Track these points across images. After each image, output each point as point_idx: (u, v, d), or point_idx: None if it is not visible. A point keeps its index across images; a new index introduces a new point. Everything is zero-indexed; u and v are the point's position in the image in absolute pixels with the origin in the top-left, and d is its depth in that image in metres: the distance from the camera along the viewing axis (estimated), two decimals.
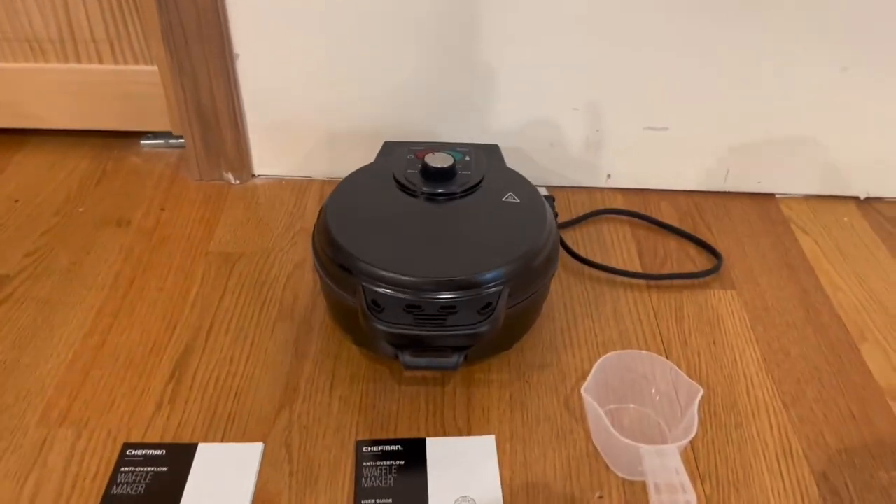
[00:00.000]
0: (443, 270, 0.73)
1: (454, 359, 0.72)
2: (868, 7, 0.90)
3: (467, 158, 0.88)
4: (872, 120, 1.00)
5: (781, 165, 1.05)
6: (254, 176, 1.09)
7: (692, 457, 0.72)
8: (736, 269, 0.95)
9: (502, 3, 0.91)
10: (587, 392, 0.71)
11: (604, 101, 0.99)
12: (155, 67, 1.06)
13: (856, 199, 1.08)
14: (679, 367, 0.79)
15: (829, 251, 0.98)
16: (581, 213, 1.03)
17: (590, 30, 0.93)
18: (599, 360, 0.73)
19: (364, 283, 0.73)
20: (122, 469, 0.70)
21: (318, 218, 0.82)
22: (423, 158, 0.85)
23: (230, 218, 1.01)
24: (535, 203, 0.83)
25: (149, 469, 0.70)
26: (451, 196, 0.83)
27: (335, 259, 0.76)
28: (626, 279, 0.93)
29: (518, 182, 0.86)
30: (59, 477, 0.69)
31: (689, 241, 0.99)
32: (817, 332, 0.86)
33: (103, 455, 0.71)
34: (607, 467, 0.71)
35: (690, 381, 0.72)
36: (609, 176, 1.07)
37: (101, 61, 1.06)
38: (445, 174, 0.84)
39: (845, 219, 1.04)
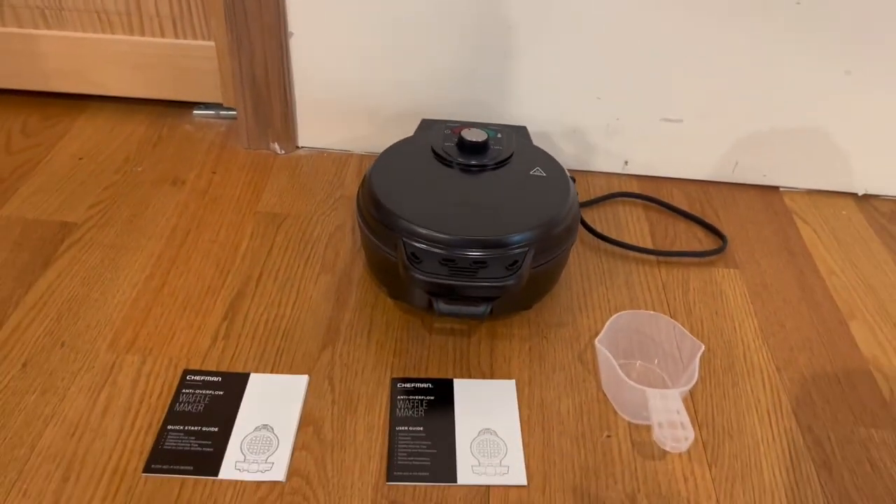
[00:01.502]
0: (475, 230, 0.81)
1: (482, 308, 0.80)
2: (871, 14, 0.98)
3: (499, 136, 0.96)
4: (873, 122, 1.08)
5: (786, 161, 1.13)
6: (298, 147, 1.18)
7: (692, 407, 0.81)
8: (739, 251, 1.03)
9: (535, 1, 1.00)
10: (600, 343, 0.79)
11: (624, 92, 1.08)
12: (212, 43, 1.15)
13: (854, 195, 1.16)
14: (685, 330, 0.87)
15: (827, 240, 1.06)
16: (599, 195, 1.11)
17: (614, 27, 1.02)
18: (613, 317, 0.82)
19: (405, 238, 0.81)
20: (184, 391, 0.78)
21: (363, 181, 0.90)
22: (460, 133, 0.94)
23: (276, 184, 1.10)
24: (559, 177, 0.91)
25: (207, 392, 0.79)
26: (483, 168, 0.91)
27: (378, 217, 0.85)
28: (638, 254, 1.01)
29: (545, 158, 0.95)
30: (128, 394, 0.78)
31: (698, 225, 1.07)
32: (811, 309, 0.94)
33: (166, 378, 0.80)
34: (615, 412, 0.79)
35: (693, 338, 0.80)
36: (626, 163, 1.15)
37: (163, 35, 1.15)
38: (479, 148, 0.93)
39: (843, 212, 1.12)
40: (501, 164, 0.92)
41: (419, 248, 0.81)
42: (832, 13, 0.98)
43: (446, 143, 0.94)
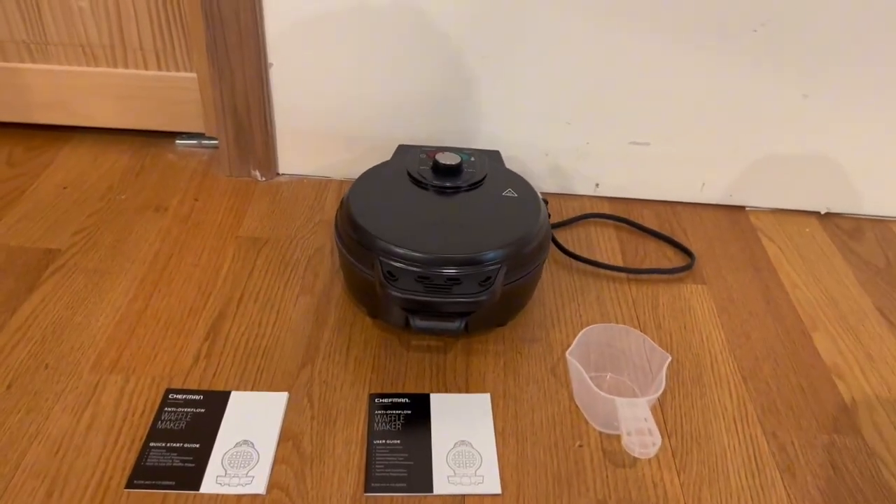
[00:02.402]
0: (450, 248, 0.85)
1: (457, 323, 0.83)
2: (825, 41, 1.03)
3: (472, 159, 1.00)
4: (831, 143, 1.13)
5: (751, 181, 1.18)
6: (279, 174, 1.21)
7: (661, 417, 0.83)
8: (707, 268, 1.07)
9: (507, 29, 1.04)
10: (571, 355, 0.82)
11: (593, 117, 1.12)
12: (194, 74, 1.19)
13: (817, 213, 1.21)
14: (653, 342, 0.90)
15: (791, 256, 1.10)
16: (572, 216, 1.15)
17: (581, 55, 1.06)
18: (583, 330, 0.85)
19: (381, 257, 0.84)
20: (166, 409, 0.80)
21: (341, 204, 0.93)
22: (434, 157, 0.97)
23: (257, 209, 1.12)
24: (530, 198, 0.95)
25: (189, 409, 0.80)
26: (457, 189, 0.95)
27: (356, 237, 0.87)
28: (608, 272, 1.04)
29: (516, 180, 0.98)
30: (111, 412, 0.79)
31: (667, 243, 1.11)
32: (776, 321, 0.98)
33: (149, 397, 0.81)
34: (587, 422, 0.82)
35: (661, 350, 0.83)
36: (598, 185, 1.19)
37: (146, 67, 1.19)
38: (453, 171, 0.96)
39: (807, 230, 1.17)
40: (475, 185, 0.96)
41: (395, 266, 0.84)
42: (788, 40, 1.04)
43: (422, 167, 0.97)
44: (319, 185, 1.19)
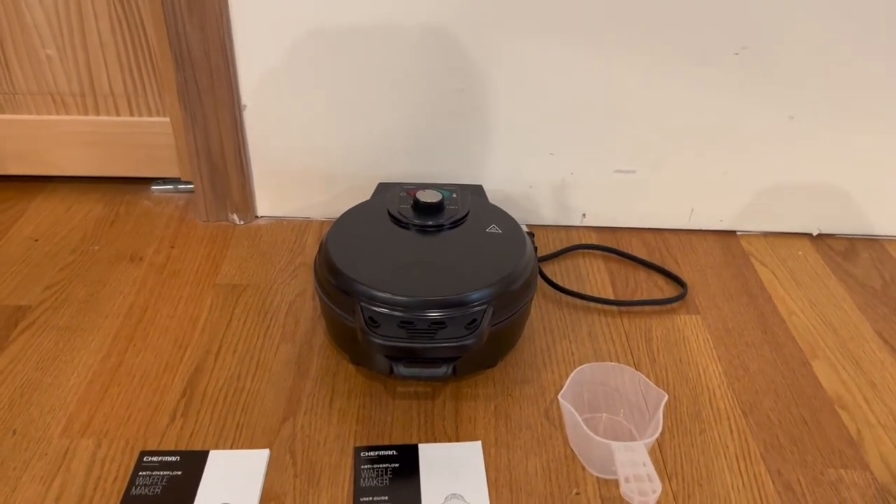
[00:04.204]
0: (433, 290, 0.81)
1: (443, 369, 0.80)
2: (808, 61, 1.02)
3: (454, 196, 0.97)
4: (820, 162, 1.11)
5: (741, 205, 1.15)
6: (257, 217, 1.18)
7: (660, 458, 0.80)
8: (700, 297, 1.04)
9: (484, 62, 1.02)
10: (563, 398, 0.78)
11: (576, 147, 1.10)
12: (167, 119, 1.16)
13: (809, 235, 1.18)
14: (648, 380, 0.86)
15: (785, 281, 1.08)
16: (559, 248, 1.12)
17: (560, 85, 1.04)
18: (575, 371, 0.81)
19: (362, 303, 0.81)
20: (140, 473, 0.76)
21: (320, 247, 0.90)
22: (415, 195, 0.94)
23: (235, 254, 1.09)
24: (515, 234, 0.92)
25: (164, 473, 0.76)
26: (439, 228, 0.92)
27: (334, 282, 0.84)
28: (600, 306, 1.01)
29: (500, 216, 0.95)
30: (82, 480, 0.75)
31: (658, 273, 1.08)
32: (773, 351, 0.95)
33: (122, 461, 0.77)
34: (583, 467, 0.78)
35: (657, 388, 0.79)
36: (584, 215, 1.17)
37: (118, 113, 1.16)
38: (435, 208, 0.93)
39: (800, 253, 1.14)
40: (457, 223, 0.93)
41: (377, 311, 0.80)
42: (771, 62, 1.02)
43: (402, 206, 0.95)
44: (299, 226, 1.16)
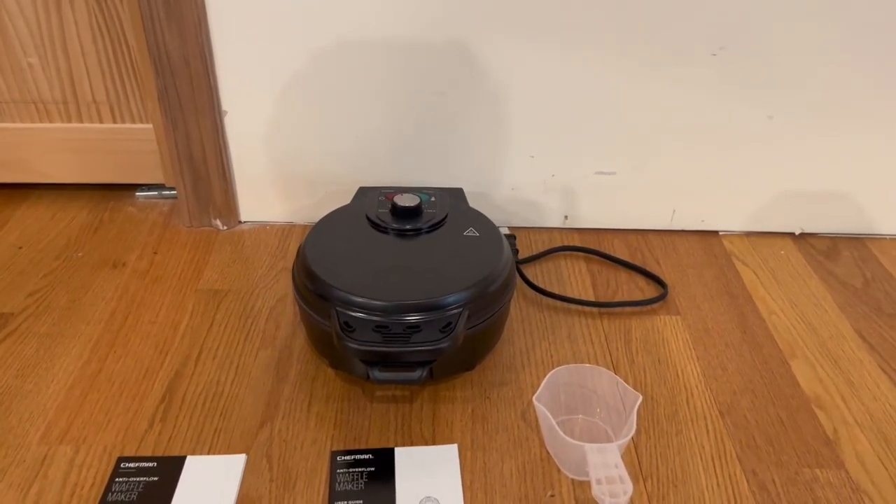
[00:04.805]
0: (408, 294, 0.82)
1: (418, 373, 0.80)
2: (786, 60, 1.02)
3: (433, 199, 0.98)
4: (800, 162, 1.11)
5: (722, 205, 1.16)
6: (240, 222, 1.18)
7: (636, 459, 0.80)
8: (681, 298, 1.04)
9: (463, 65, 1.03)
10: (538, 400, 0.79)
11: (556, 149, 1.10)
12: (150, 125, 1.16)
13: (791, 234, 1.18)
14: (626, 382, 0.87)
15: (766, 280, 1.08)
16: (541, 250, 1.12)
17: (539, 87, 1.04)
18: (550, 373, 0.82)
19: (337, 308, 0.81)
20: (117, 479, 0.76)
21: (298, 253, 0.91)
22: (393, 199, 0.95)
23: (218, 260, 1.10)
24: (493, 237, 0.92)
25: (141, 479, 0.77)
26: (417, 231, 0.92)
27: (311, 287, 0.85)
28: (580, 307, 1.01)
29: (478, 219, 0.96)
30: (59, 487, 0.75)
31: (639, 274, 1.08)
32: (752, 351, 0.95)
33: (99, 468, 0.78)
34: (559, 470, 0.79)
35: (633, 389, 0.80)
36: (566, 217, 1.17)
37: (101, 121, 1.17)
38: (413, 212, 0.94)
39: (782, 252, 1.14)
40: (435, 227, 0.93)
41: (352, 315, 0.81)
42: (749, 62, 1.02)
43: (380, 210, 0.95)
44: (282, 231, 1.17)
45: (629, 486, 0.70)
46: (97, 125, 1.17)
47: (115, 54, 1.11)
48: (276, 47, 1.02)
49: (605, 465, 0.72)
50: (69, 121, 1.17)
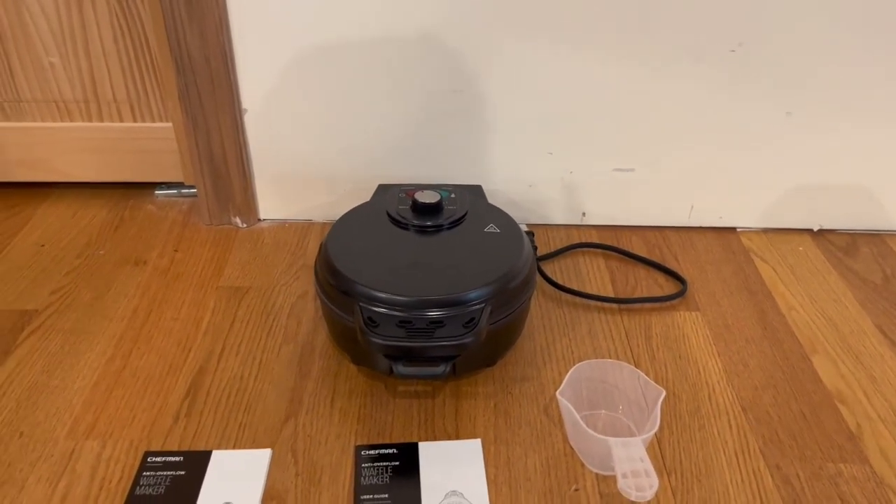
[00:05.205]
0: (431, 290, 0.82)
1: (441, 368, 0.80)
2: (804, 57, 1.02)
3: (453, 196, 0.98)
4: (818, 158, 1.11)
5: (741, 201, 1.16)
6: (260, 220, 1.19)
7: (659, 454, 0.80)
8: (700, 294, 1.04)
9: (481, 62, 1.03)
10: (562, 395, 0.79)
11: (575, 146, 1.10)
12: (170, 124, 1.17)
13: (810, 231, 1.18)
14: (647, 377, 0.87)
15: (786, 276, 1.08)
16: (559, 247, 1.12)
17: (558, 83, 1.05)
18: (573, 368, 0.82)
19: (361, 303, 0.82)
20: (144, 473, 0.77)
21: (320, 249, 0.91)
22: (413, 196, 0.95)
23: (238, 257, 1.10)
24: (513, 233, 0.93)
25: (168, 473, 0.77)
26: (438, 228, 0.92)
27: (334, 283, 0.85)
28: (599, 303, 1.02)
29: (498, 215, 0.96)
30: (87, 481, 0.76)
31: (658, 270, 1.09)
32: (773, 347, 0.95)
33: (126, 462, 0.78)
34: (582, 464, 0.79)
35: (655, 384, 0.80)
36: (584, 214, 1.17)
37: (121, 119, 1.17)
38: (433, 209, 0.94)
39: (800, 248, 1.14)
40: (456, 223, 0.94)
41: (376, 311, 0.81)
42: (767, 58, 1.02)
43: (401, 207, 0.95)
44: (301, 228, 1.17)
45: (655, 481, 0.70)
46: (117, 124, 1.18)
47: (136, 53, 1.11)
48: (295, 45, 1.03)
49: (630, 459, 0.72)
50: (90, 120, 1.18)
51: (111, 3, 1.07)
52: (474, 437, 0.82)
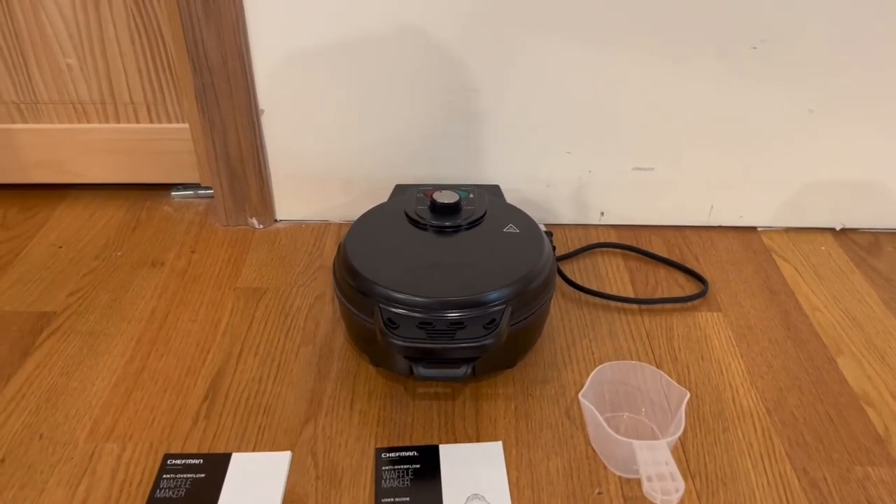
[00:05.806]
0: (451, 291, 0.81)
1: (462, 369, 0.80)
2: (826, 54, 1.00)
3: (471, 196, 0.97)
4: (840, 156, 1.09)
5: (761, 200, 1.14)
6: (276, 221, 1.18)
7: (683, 457, 0.79)
8: (721, 294, 1.03)
9: (499, 61, 1.02)
10: (584, 397, 0.78)
11: (593, 145, 1.09)
12: (186, 125, 1.17)
13: (832, 230, 1.17)
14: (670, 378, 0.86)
15: (808, 276, 1.06)
16: (578, 247, 1.11)
17: (576, 82, 1.04)
18: (595, 370, 0.81)
19: (380, 304, 0.81)
20: (165, 476, 0.77)
21: (338, 250, 0.91)
22: (432, 196, 0.94)
23: (255, 258, 1.10)
24: (533, 233, 0.92)
25: (188, 476, 0.77)
26: (457, 228, 0.92)
27: (353, 284, 0.84)
28: (619, 304, 1.01)
29: (517, 215, 0.95)
30: (107, 483, 0.76)
31: (678, 270, 1.07)
32: (797, 347, 0.93)
33: (146, 465, 0.78)
34: (605, 467, 0.78)
35: (679, 386, 0.79)
36: (603, 213, 1.16)
37: (137, 121, 1.17)
38: (452, 209, 0.93)
39: (823, 248, 1.13)
40: (475, 223, 0.93)
41: (396, 312, 0.80)
42: (789, 55, 1.01)
43: (419, 207, 0.95)
44: (318, 229, 1.17)
45: (681, 484, 0.69)
46: (134, 125, 1.18)
47: (153, 54, 1.11)
48: (312, 46, 1.02)
49: (655, 462, 0.71)
50: (107, 121, 1.18)
51: (128, 4, 1.07)
52: (495, 439, 0.81)
